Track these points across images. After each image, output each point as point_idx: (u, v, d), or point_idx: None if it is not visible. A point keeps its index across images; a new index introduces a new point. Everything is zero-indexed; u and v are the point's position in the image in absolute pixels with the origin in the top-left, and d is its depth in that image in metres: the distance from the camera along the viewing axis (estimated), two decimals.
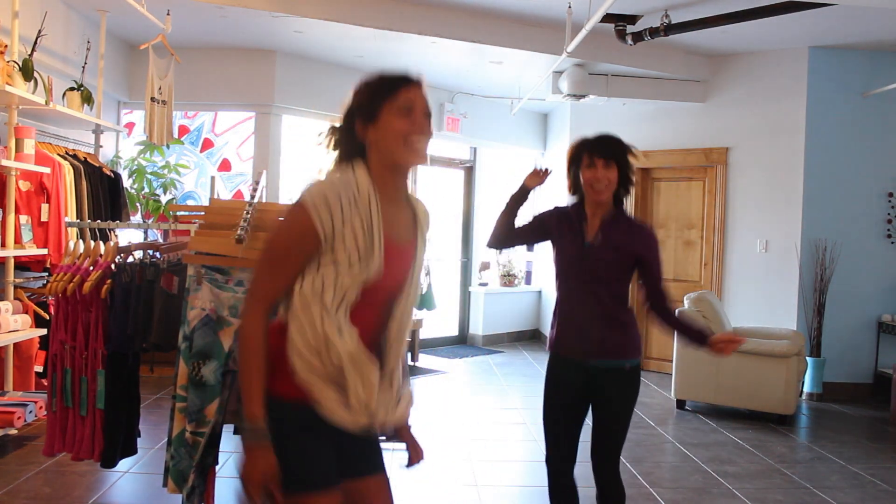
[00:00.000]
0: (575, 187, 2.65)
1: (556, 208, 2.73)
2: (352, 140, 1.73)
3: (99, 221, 4.65)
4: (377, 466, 1.86)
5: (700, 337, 2.53)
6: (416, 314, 6.72)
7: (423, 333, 7.77)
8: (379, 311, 1.74)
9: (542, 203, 2.88)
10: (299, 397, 1.65)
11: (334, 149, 1.76)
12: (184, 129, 7.11)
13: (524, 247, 8.13)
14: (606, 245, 2.55)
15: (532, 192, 2.78)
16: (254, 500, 1.59)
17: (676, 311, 2.69)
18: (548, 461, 2.67)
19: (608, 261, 2.55)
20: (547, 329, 7.06)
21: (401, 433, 1.96)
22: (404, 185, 1.79)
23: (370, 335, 1.72)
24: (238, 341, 1.67)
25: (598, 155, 2.51)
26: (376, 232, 1.66)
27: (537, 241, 2.84)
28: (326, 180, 1.69)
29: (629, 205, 7.44)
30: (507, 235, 2.76)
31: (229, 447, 4.06)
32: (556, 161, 5.92)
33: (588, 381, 2.59)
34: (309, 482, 1.67)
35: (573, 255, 2.60)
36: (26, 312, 4.29)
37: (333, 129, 1.77)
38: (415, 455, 1.97)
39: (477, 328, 8.68)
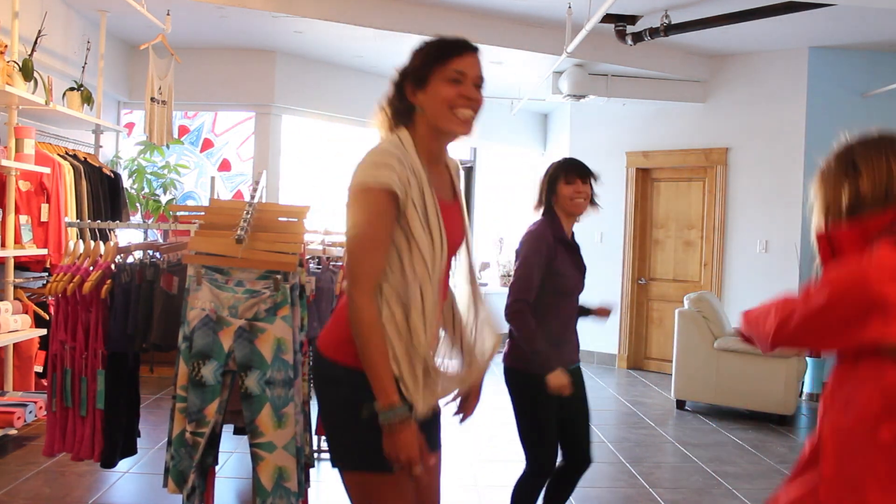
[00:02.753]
0: (544, 203, 2.75)
1: (535, 236, 2.68)
2: (403, 101, 1.75)
3: (99, 221, 4.63)
4: (436, 444, 1.88)
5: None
6: None
7: None
8: (445, 278, 1.79)
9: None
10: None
11: (388, 109, 1.78)
12: (184, 130, 7.11)
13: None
14: (581, 257, 2.81)
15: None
16: (414, 471, 1.62)
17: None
18: (548, 472, 2.91)
19: (583, 271, 2.81)
20: None
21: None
22: (445, 150, 1.82)
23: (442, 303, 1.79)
24: (356, 330, 1.62)
25: (574, 173, 2.73)
26: (427, 189, 1.70)
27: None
28: (376, 148, 1.69)
29: (629, 204, 7.47)
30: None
31: (229, 447, 4.07)
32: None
33: None
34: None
35: (577, 275, 2.75)
36: (26, 312, 4.29)
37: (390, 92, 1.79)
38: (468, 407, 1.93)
39: None
